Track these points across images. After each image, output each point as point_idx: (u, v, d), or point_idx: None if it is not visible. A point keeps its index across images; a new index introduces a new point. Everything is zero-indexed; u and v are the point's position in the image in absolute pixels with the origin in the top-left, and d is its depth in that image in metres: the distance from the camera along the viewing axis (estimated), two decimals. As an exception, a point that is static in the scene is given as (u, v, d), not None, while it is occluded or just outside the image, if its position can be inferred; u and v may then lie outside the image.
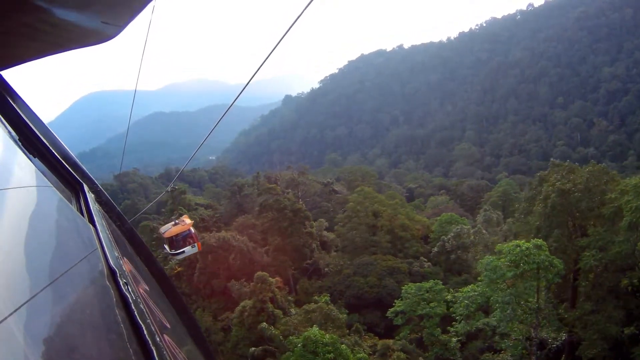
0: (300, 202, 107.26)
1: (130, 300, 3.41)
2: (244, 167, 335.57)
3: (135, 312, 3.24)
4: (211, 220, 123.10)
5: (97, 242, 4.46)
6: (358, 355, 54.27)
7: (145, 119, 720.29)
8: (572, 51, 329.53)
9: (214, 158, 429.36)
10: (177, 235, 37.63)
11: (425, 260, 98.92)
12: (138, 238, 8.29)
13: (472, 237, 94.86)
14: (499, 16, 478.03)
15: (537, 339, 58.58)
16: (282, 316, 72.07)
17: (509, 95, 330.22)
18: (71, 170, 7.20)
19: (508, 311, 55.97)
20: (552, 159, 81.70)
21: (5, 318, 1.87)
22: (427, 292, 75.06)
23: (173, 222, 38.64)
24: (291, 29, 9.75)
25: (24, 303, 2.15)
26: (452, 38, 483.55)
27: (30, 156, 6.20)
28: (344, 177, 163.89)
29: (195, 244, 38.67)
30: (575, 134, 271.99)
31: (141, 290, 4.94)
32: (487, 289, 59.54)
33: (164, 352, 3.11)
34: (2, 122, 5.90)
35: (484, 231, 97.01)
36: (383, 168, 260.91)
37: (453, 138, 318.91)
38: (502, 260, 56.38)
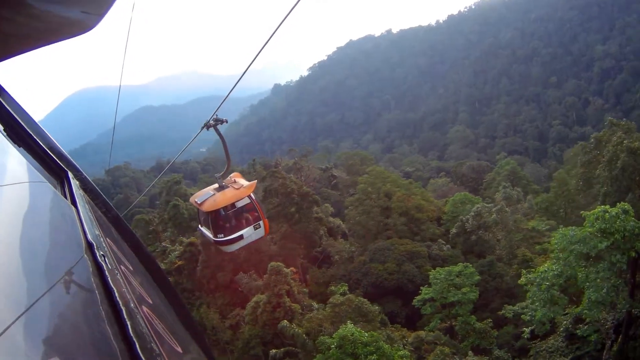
0: (306, 186, 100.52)
1: (105, 268, 3.56)
2: (235, 158, 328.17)
3: (109, 278, 3.40)
4: None
5: (77, 220, 4.56)
6: (399, 353, 47.27)
7: (135, 113, 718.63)
8: (563, 30, 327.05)
9: (204, 150, 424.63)
10: (227, 207, 20.98)
11: (444, 242, 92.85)
12: (124, 224, 8.28)
13: (494, 215, 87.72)
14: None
15: (615, 320, 51.61)
16: (300, 311, 65.39)
17: (501, 76, 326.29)
18: (56, 159, 7.32)
19: (604, 291, 48.04)
20: (610, 118, 74.89)
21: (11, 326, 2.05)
22: (458, 276, 68.72)
23: (216, 186, 21.67)
24: (282, 21, 10.11)
25: (27, 307, 2.36)
26: (440, 21, 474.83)
27: (17, 146, 6.34)
28: (340, 162, 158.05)
29: (261, 222, 21.34)
30: (570, 113, 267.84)
31: (122, 268, 4.90)
32: (564, 266, 51.76)
33: (137, 317, 3.25)
34: None
35: (506, 209, 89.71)
36: (377, 153, 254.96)
37: (446, 121, 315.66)
38: (588, 229, 48.81)
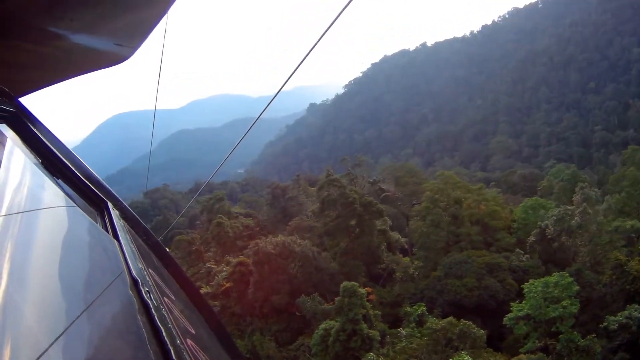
0: (368, 196, 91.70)
1: (151, 306, 3.60)
2: (273, 178, 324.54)
3: (156, 317, 3.43)
4: (255, 227, 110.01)
5: (120, 255, 4.65)
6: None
7: (171, 137, 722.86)
8: (598, 35, 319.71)
9: (242, 171, 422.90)
10: None
11: (521, 252, 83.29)
12: (165, 251, 8.20)
13: (577, 218, 78.25)
14: (521, 6, 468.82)
15: None
16: (378, 338, 56.21)
17: (540, 84, 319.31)
18: (95, 190, 7.21)
19: None
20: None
21: (46, 350, 1.97)
22: (555, 287, 60.01)
23: None
24: (315, 44, 8.90)
25: (66, 328, 2.32)
26: (475, 32, 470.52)
27: (54, 178, 6.23)
28: (385, 176, 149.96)
29: None
30: (612, 118, 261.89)
31: (166, 300, 4.98)
32: None
33: (184, 353, 3.30)
34: (24, 147, 6.21)
35: (589, 210, 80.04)
36: (418, 167, 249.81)
37: (486, 132, 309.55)
38: None
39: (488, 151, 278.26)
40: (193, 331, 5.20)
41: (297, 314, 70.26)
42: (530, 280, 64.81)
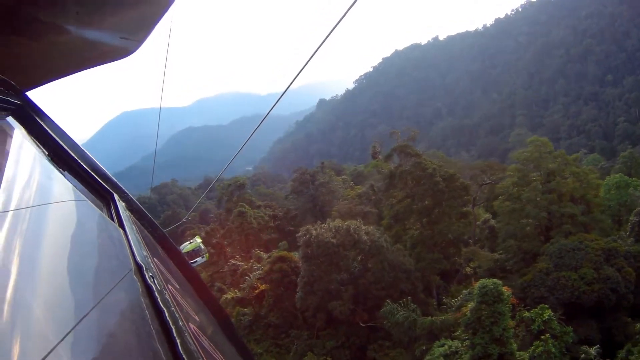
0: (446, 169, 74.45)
1: (154, 289, 3.78)
2: (284, 174, 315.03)
3: (159, 299, 3.62)
4: (286, 217, 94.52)
5: (126, 243, 4.81)
6: None
7: (178, 134, 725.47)
8: (614, 27, 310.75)
9: (251, 169, 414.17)
10: None
11: (625, 234, 68.39)
12: (170, 243, 8.31)
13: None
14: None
15: None
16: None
17: (557, 76, 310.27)
18: (101, 182, 7.38)
19: None
20: None
21: (54, 343, 2.03)
22: None
23: None
24: (323, 40, 9.20)
25: (79, 321, 2.40)
26: (488, 25, 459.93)
27: (61, 170, 6.30)
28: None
29: None
30: (633, 110, 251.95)
31: (170, 287, 5.23)
32: None
33: (185, 334, 3.46)
34: (32, 140, 6.25)
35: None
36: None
37: (503, 125, 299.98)
38: None
39: (506, 145, 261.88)
40: (197, 318, 5.41)
41: (362, 324, 53.32)
42: None
